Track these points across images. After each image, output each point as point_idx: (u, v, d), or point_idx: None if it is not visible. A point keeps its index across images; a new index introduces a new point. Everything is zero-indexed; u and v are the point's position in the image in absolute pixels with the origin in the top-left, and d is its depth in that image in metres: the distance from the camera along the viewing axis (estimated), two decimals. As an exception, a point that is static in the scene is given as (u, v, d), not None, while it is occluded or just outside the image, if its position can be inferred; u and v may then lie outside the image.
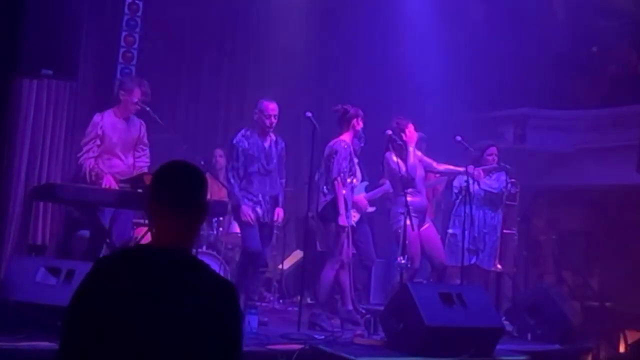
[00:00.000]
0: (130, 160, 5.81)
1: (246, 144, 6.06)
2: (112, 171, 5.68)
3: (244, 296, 6.15)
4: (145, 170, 5.82)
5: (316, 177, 6.33)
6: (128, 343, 1.93)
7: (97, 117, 5.76)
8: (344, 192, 5.96)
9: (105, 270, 2.06)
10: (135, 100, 5.74)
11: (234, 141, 6.09)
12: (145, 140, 5.92)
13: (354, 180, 6.20)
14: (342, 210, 5.91)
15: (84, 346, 1.97)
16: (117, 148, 5.74)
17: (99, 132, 5.69)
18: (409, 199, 6.06)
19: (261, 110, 6.04)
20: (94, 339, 1.97)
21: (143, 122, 5.92)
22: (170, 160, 2.18)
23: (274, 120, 6.04)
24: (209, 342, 1.96)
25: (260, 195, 6.05)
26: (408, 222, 5.93)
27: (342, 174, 5.96)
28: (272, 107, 6.04)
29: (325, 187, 6.03)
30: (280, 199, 6.19)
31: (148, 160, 5.93)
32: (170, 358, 1.94)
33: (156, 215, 2.10)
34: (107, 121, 5.74)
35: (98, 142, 5.68)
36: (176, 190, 2.10)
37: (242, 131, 6.14)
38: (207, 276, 2.05)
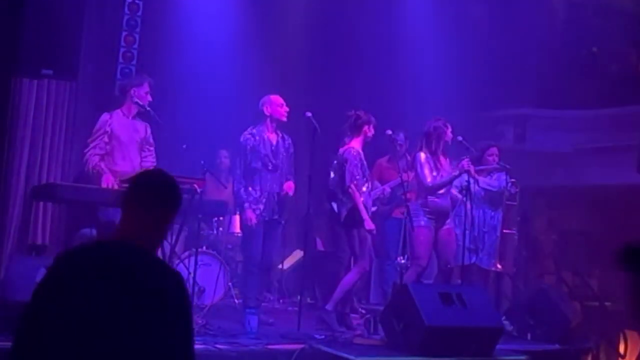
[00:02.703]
0: (137, 160, 5.82)
1: (253, 141, 6.04)
2: (119, 170, 5.67)
3: (245, 298, 6.15)
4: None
5: (330, 184, 6.37)
6: (78, 333, 2.01)
7: (105, 116, 5.77)
8: (361, 198, 5.99)
9: (62, 264, 2.18)
10: (147, 90, 5.74)
11: (241, 139, 6.07)
12: (151, 141, 5.93)
13: (368, 184, 6.20)
14: (364, 215, 5.93)
15: (36, 338, 2.06)
16: (126, 147, 5.74)
17: (107, 129, 5.69)
18: (430, 198, 6.13)
19: (273, 102, 6.07)
20: (47, 329, 2.05)
21: (148, 125, 5.93)
22: (150, 169, 2.36)
23: (287, 109, 6.09)
24: (158, 328, 2.04)
25: (264, 193, 6.00)
26: (423, 223, 5.99)
27: (355, 181, 5.97)
28: (281, 99, 6.12)
29: (342, 195, 6.04)
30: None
31: (154, 159, 5.93)
32: (117, 345, 2.00)
33: (123, 212, 2.28)
34: (115, 120, 5.75)
35: (106, 139, 5.68)
36: (142, 193, 2.29)
37: (249, 129, 6.12)
38: (157, 267, 2.16)
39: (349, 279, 6.03)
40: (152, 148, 5.92)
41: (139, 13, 7.76)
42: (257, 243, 5.98)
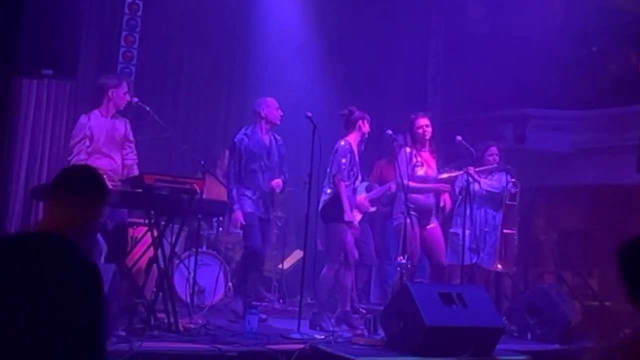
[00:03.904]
0: (119, 158, 5.83)
1: (247, 141, 6.13)
2: (103, 169, 5.69)
3: (244, 295, 6.17)
4: (135, 167, 5.86)
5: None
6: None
7: (83, 119, 5.79)
8: (349, 192, 5.99)
9: None
10: (125, 90, 5.76)
11: (235, 140, 6.19)
12: (131, 138, 5.95)
13: (356, 182, 6.19)
14: (345, 206, 5.89)
15: None
16: (105, 147, 5.76)
17: (87, 132, 5.71)
18: (414, 196, 6.10)
19: (270, 105, 6.23)
20: None
21: (128, 121, 5.94)
22: (75, 166, 2.63)
23: (282, 113, 6.24)
24: (71, 315, 2.14)
25: (260, 193, 6.14)
26: (408, 220, 5.93)
27: (341, 172, 5.95)
28: (276, 102, 6.27)
29: (326, 186, 6.04)
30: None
31: (135, 156, 5.95)
32: (31, 333, 2.11)
33: (45, 205, 2.38)
34: (94, 122, 5.76)
35: (87, 142, 5.70)
36: (60, 186, 2.46)
37: (243, 129, 6.25)
38: (71, 257, 2.25)
39: (323, 276, 6.02)
40: (132, 144, 5.95)
41: (139, 13, 7.77)
42: (258, 237, 6.09)
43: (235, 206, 6.06)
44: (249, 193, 6.11)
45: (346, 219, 5.90)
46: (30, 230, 2.47)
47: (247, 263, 6.19)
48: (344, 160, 5.96)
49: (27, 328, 2.11)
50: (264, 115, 6.19)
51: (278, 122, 6.25)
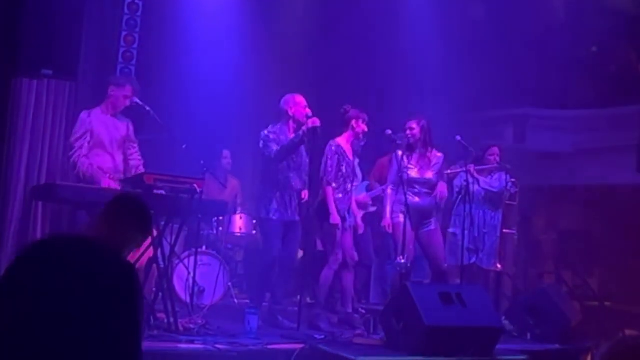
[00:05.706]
0: (120, 158, 5.81)
1: (274, 139, 5.94)
2: (103, 167, 5.68)
3: (272, 301, 6.05)
4: (141, 167, 5.85)
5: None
6: (36, 321, 2.10)
7: (84, 115, 5.78)
8: (333, 192, 5.93)
9: (26, 255, 2.28)
10: (126, 94, 5.73)
11: (267, 136, 5.92)
12: (134, 138, 5.92)
13: (349, 184, 6.10)
14: (332, 209, 5.86)
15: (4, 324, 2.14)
16: (106, 144, 5.74)
17: (88, 127, 5.70)
18: (410, 197, 6.06)
19: (298, 104, 5.94)
20: (11, 316, 2.13)
21: (130, 122, 5.92)
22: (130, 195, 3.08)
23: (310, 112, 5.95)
24: (109, 315, 2.18)
25: (291, 192, 5.95)
26: (402, 220, 5.92)
27: (328, 174, 5.93)
28: (304, 100, 5.99)
29: (321, 187, 6.03)
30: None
31: (140, 157, 5.93)
32: (70, 333, 2.11)
33: (98, 220, 2.74)
34: (95, 118, 5.75)
35: (88, 138, 5.69)
36: (116, 209, 2.75)
37: (270, 127, 5.99)
38: (112, 260, 2.31)
39: (323, 276, 5.98)
40: (135, 145, 5.91)
41: (139, 13, 7.75)
42: (277, 242, 5.88)
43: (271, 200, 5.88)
44: (276, 194, 5.90)
45: (332, 221, 5.85)
46: (68, 234, 2.61)
47: (267, 273, 5.93)
48: (330, 163, 5.93)
49: (62, 331, 2.11)
50: (291, 115, 5.94)
51: (305, 120, 5.87)
